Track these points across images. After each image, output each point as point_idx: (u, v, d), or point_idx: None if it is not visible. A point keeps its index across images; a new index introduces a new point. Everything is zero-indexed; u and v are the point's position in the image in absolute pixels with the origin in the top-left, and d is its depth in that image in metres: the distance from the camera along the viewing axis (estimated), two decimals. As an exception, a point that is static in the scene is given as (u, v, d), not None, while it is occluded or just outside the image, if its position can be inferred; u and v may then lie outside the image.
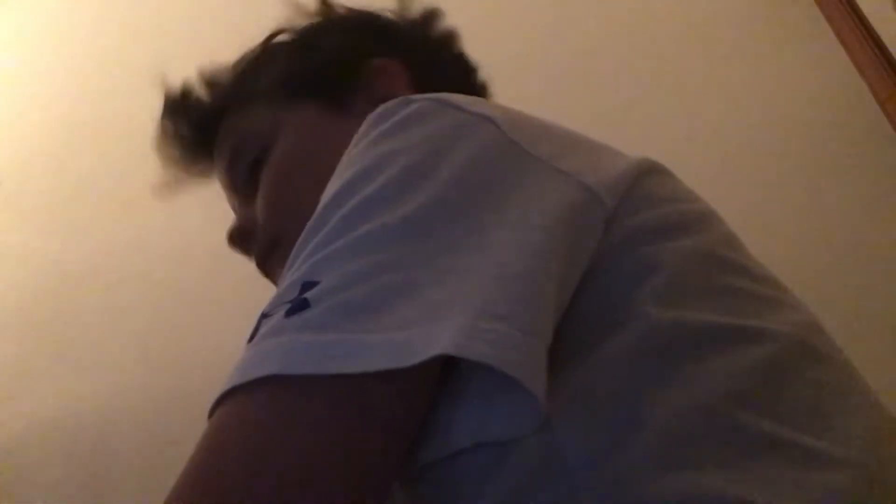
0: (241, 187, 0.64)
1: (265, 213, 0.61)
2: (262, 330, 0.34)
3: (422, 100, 0.42)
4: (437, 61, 0.68)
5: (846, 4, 1.29)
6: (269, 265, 0.64)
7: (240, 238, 0.64)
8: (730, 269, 0.40)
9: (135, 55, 1.86)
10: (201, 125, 0.69)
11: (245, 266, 1.76)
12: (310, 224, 0.39)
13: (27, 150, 1.94)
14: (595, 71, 1.47)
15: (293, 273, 0.37)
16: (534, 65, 1.47)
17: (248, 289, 1.66)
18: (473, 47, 0.73)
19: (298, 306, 0.33)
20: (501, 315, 0.31)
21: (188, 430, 1.45)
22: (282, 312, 0.34)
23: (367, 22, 0.69)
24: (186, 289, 1.65)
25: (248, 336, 0.36)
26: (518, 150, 0.39)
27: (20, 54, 2.08)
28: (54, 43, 2.05)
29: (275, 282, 0.63)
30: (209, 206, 1.75)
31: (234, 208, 0.68)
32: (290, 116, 0.62)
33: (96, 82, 1.94)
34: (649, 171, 0.43)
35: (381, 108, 0.43)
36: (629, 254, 0.38)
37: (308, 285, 0.34)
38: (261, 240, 0.62)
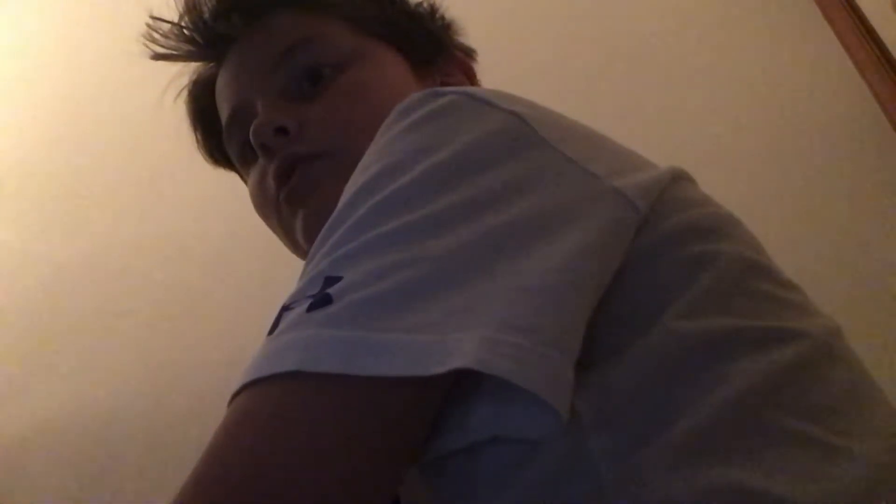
0: (282, 86, 0.60)
1: (335, 122, 0.57)
2: (284, 323, 0.34)
3: (450, 93, 0.42)
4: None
5: (846, 4, 1.29)
6: (300, 174, 0.57)
7: (276, 135, 0.56)
8: (759, 274, 0.40)
9: (135, 55, 1.86)
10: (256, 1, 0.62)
11: (244, 266, 1.76)
12: (333, 217, 0.39)
13: (27, 150, 1.94)
14: (593, 70, 1.47)
15: (315, 266, 0.36)
16: (531, 64, 1.47)
17: (247, 289, 1.67)
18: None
19: (321, 301, 0.33)
20: (525, 328, 0.31)
21: (188, 429, 1.46)
22: (304, 307, 0.34)
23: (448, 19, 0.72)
24: (186, 289, 1.65)
25: (268, 328, 0.36)
26: (547, 150, 0.39)
27: (20, 55, 2.08)
28: (54, 43, 2.06)
29: (289, 201, 0.58)
30: (209, 206, 1.76)
31: (241, 99, 0.62)
32: (376, 52, 0.62)
33: (96, 82, 1.94)
34: (679, 178, 0.42)
35: (408, 100, 0.42)
36: (661, 257, 0.37)
37: (331, 280, 0.34)
38: (312, 144, 0.57)
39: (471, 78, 0.69)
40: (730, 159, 1.29)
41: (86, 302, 1.70)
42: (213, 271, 1.65)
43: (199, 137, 0.72)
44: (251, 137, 0.57)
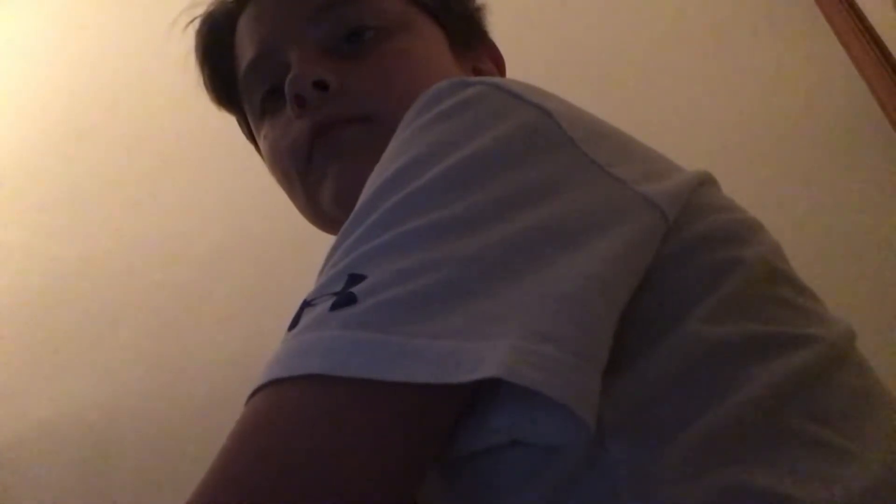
0: (320, 40, 0.57)
1: (380, 86, 0.55)
2: (305, 320, 0.34)
3: (478, 83, 0.40)
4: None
5: (846, 4, 1.29)
6: (337, 134, 0.55)
7: (314, 88, 0.54)
8: (779, 280, 0.39)
9: (134, 55, 1.86)
10: None
11: (243, 267, 1.76)
12: (357, 210, 0.37)
13: (27, 149, 1.95)
14: (593, 69, 1.47)
15: (338, 261, 0.36)
16: (533, 65, 1.47)
17: (246, 289, 1.67)
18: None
19: (345, 300, 0.32)
20: (554, 337, 0.30)
21: (187, 429, 1.45)
22: (327, 304, 0.33)
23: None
24: (186, 289, 1.65)
25: (289, 322, 0.35)
26: (573, 151, 0.38)
27: (20, 55, 2.08)
28: (54, 44, 2.06)
29: (317, 160, 0.56)
30: (208, 207, 1.76)
31: (271, 43, 0.59)
32: (422, 24, 0.60)
33: (96, 82, 1.95)
34: (705, 182, 0.42)
35: (435, 88, 0.41)
36: (686, 263, 0.37)
37: (354, 278, 0.33)
38: (355, 105, 0.55)
39: (500, 68, 0.68)
40: (729, 159, 1.29)
41: (86, 302, 1.70)
42: (213, 271, 1.65)
43: (207, 75, 0.68)
44: (287, 86, 0.54)
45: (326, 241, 0.40)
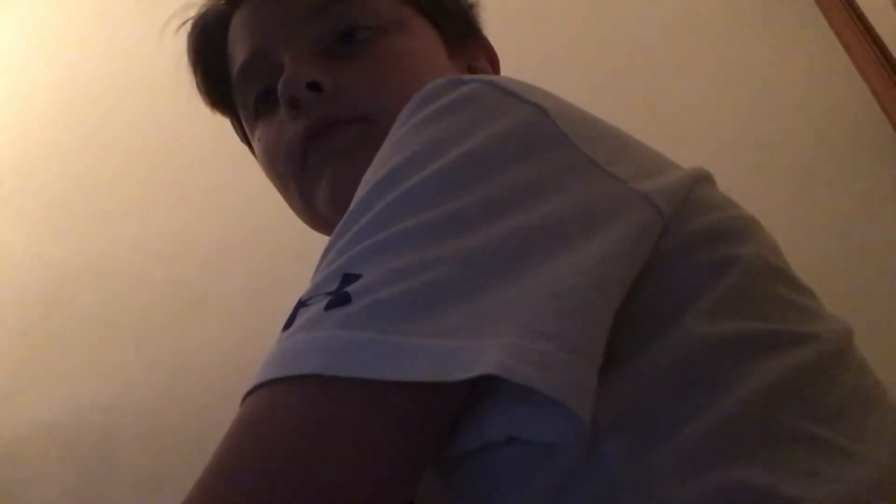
0: (313, 41, 0.57)
1: (375, 87, 0.55)
2: (300, 320, 0.33)
3: (473, 81, 0.40)
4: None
5: (846, 4, 1.29)
6: (332, 135, 0.55)
7: (308, 90, 0.54)
8: (776, 278, 0.39)
9: (135, 55, 1.86)
10: None
11: (244, 266, 1.76)
12: (351, 209, 0.37)
13: (27, 149, 1.95)
14: (589, 68, 1.47)
15: (332, 261, 0.35)
16: (532, 66, 1.47)
17: (246, 289, 1.67)
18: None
19: (339, 300, 0.32)
20: (550, 333, 0.30)
21: (187, 429, 1.45)
22: (321, 304, 0.33)
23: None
24: (186, 288, 1.65)
25: (283, 323, 0.35)
26: (569, 149, 0.38)
27: (21, 55, 2.09)
28: (55, 44, 2.06)
29: (310, 162, 0.56)
30: (209, 206, 1.75)
31: (264, 45, 0.59)
32: (415, 24, 0.60)
33: (96, 82, 1.95)
34: (702, 179, 0.42)
35: (429, 87, 0.41)
36: (682, 261, 0.37)
37: (349, 277, 0.33)
38: (350, 106, 0.55)
39: (494, 66, 0.68)
40: (728, 158, 1.29)
41: (86, 302, 1.70)
42: (213, 271, 1.65)
43: (199, 78, 0.67)
44: (280, 88, 0.54)
45: (325, 241, 0.40)
